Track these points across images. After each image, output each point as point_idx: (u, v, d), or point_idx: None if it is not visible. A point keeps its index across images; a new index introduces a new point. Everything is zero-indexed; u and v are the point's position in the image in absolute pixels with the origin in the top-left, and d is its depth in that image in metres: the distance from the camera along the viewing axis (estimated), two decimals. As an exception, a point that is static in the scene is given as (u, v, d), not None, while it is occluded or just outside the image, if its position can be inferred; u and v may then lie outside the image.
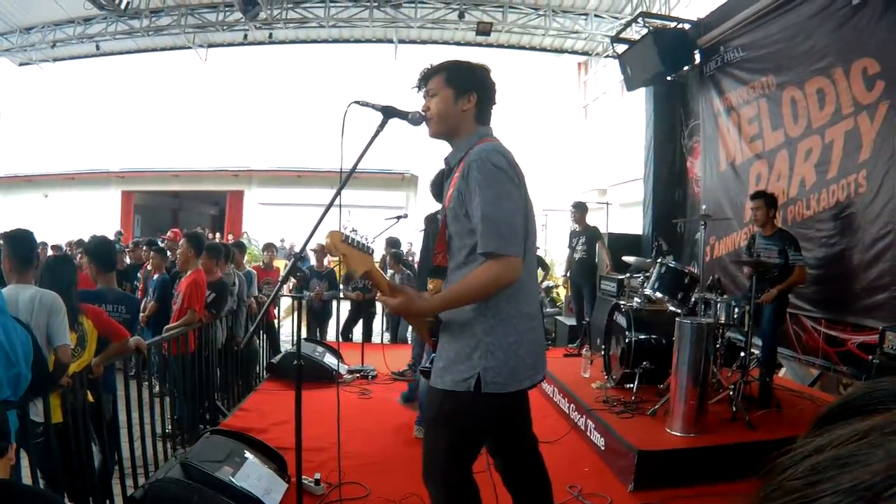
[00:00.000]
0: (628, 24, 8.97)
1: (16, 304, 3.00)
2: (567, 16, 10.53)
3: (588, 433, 4.70)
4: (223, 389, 5.98)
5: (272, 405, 5.41)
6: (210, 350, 5.43)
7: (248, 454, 3.69)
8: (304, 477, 3.31)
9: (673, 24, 8.04)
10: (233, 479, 3.32)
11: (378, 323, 9.02)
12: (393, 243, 8.64)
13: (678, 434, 4.20)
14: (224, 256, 6.11)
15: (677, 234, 8.09)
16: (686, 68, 7.98)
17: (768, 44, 6.21)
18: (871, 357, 4.11)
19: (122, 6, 9.39)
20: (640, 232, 8.95)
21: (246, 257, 8.47)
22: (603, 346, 5.89)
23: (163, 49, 12.45)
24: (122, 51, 12.47)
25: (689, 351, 4.22)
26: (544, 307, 9.41)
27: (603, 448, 4.38)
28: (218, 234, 20.11)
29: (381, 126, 2.27)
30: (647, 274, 5.42)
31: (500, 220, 2.08)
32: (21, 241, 3.33)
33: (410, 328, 8.57)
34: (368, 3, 10.46)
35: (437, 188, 5.32)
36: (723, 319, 4.85)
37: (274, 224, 20.36)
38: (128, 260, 9.17)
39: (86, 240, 11.04)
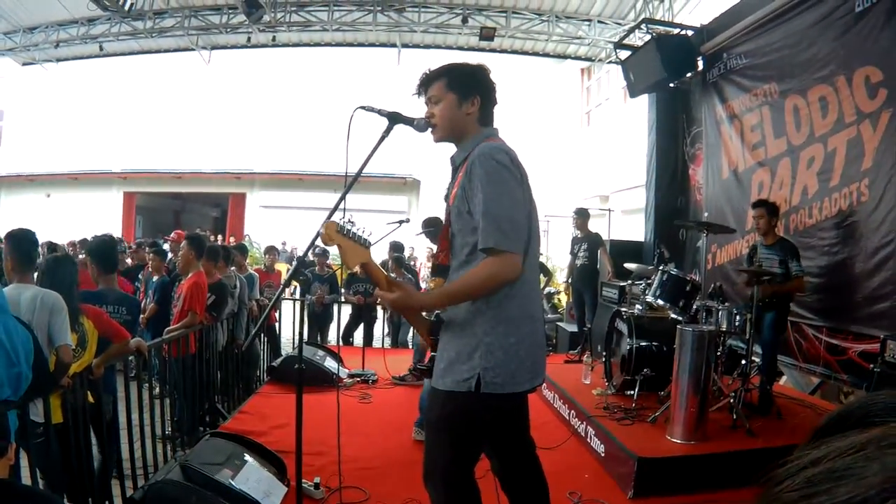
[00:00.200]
0: (631, 31, 8.97)
1: (17, 303, 3.01)
2: (570, 21, 10.53)
3: (588, 440, 4.69)
4: (223, 392, 5.98)
5: (272, 408, 5.41)
6: (211, 352, 5.43)
7: (247, 457, 3.69)
8: (303, 481, 3.31)
9: (676, 31, 8.04)
10: (232, 482, 3.32)
11: (379, 327, 9.02)
12: (396, 247, 8.64)
13: (678, 441, 4.19)
14: (223, 259, 6.12)
15: (679, 241, 8.08)
16: (689, 75, 7.98)
17: (771, 51, 6.22)
18: (872, 366, 4.11)
19: (126, 7, 9.40)
20: (641, 239, 8.94)
21: (248, 260, 8.47)
22: (604, 353, 5.89)
23: (166, 51, 12.44)
24: (126, 52, 12.46)
25: (689, 358, 4.22)
26: (546, 313, 9.40)
27: (603, 455, 4.37)
28: (220, 237, 20.13)
29: (387, 132, 2.27)
30: (649, 281, 5.42)
31: (501, 215, 2.07)
32: (22, 241, 3.34)
33: (411, 332, 8.58)
34: (372, 8, 10.47)
35: (429, 226, 5.35)
36: (724, 327, 4.84)
37: (276, 227, 20.37)
38: (129, 261, 9.17)
39: (83, 240, 11.10)
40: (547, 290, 10.03)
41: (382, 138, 2.25)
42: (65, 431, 3.19)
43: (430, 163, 16.39)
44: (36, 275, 3.44)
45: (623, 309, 5.72)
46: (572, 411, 5.18)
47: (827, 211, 5.40)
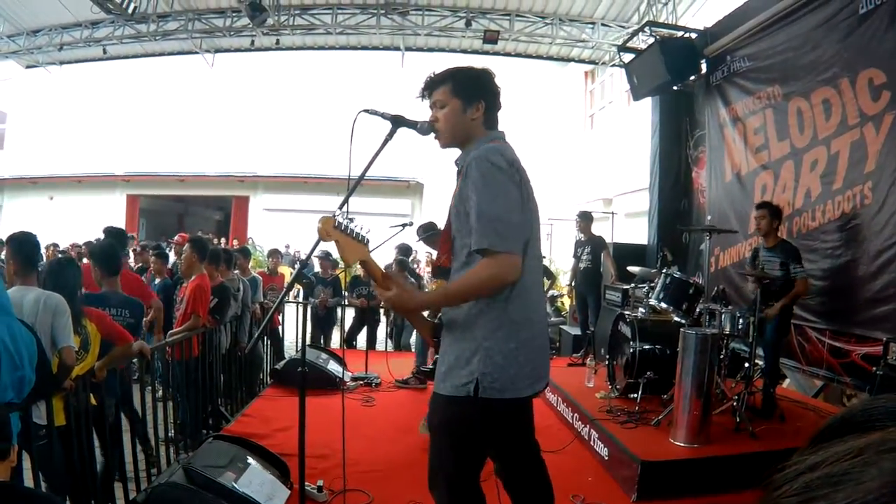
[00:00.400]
0: (635, 33, 8.97)
1: (20, 305, 3.01)
2: (574, 24, 10.53)
3: (592, 443, 4.68)
4: (226, 395, 5.99)
5: (275, 411, 5.40)
6: (214, 355, 5.43)
7: (250, 460, 3.70)
8: (306, 484, 3.31)
9: (680, 34, 8.04)
10: (235, 485, 3.32)
11: (382, 330, 9.02)
12: (404, 251, 8.59)
13: (682, 444, 4.19)
14: (225, 262, 6.12)
15: (682, 244, 8.08)
16: (692, 78, 7.97)
17: (774, 54, 6.21)
18: (875, 368, 4.10)
19: (130, 10, 9.42)
20: (645, 242, 8.94)
21: (251, 263, 8.48)
22: (607, 356, 5.88)
23: (170, 53, 12.46)
24: (129, 55, 12.50)
25: (693, 361, 4.22)
26: (549, 316, 9.40)
27: (606, 458, 4.36)
28: (223, 240, 20.14)
29: (390, 135, 2.25)
30: (652, 284, 5.42)
31: (494, 216, 2.05)
32: (24, 244, 3.35)
33: (414, 335, 8.57)
34: (376, 11, 10.48)
35: (426, 231, 5.35)
36: (727, 330, 4.84)
37: (279, 230, 20.36)
38: (133, 263, 9.17)
39: (83, 242, 11.10)
40: (550, 293, 10.01)
41: (386, 141, 2.24)
42: (67, 434, 3.19)
43: (434, 166, 16.40)
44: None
45: (626, 312, 5.71)
46: (576, 414, 5.17)
47: (830, 214, 5.39)
